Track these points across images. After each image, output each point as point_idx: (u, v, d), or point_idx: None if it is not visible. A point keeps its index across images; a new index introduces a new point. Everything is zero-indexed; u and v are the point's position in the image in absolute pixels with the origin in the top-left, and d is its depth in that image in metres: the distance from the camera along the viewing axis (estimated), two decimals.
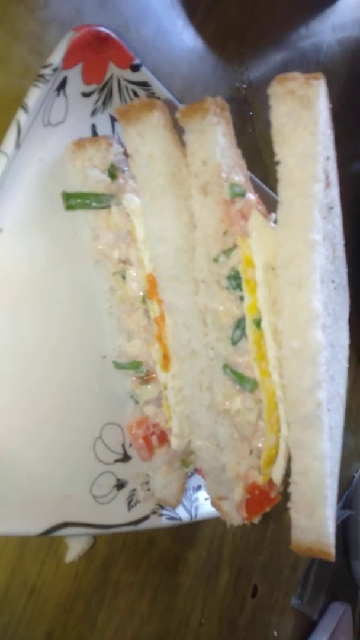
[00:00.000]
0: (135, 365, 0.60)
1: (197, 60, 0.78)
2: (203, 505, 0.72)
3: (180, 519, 0.69)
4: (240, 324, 0.54)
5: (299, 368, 0.49)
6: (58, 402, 0.57)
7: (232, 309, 0.54)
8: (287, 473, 0.55)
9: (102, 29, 0.53)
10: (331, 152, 0.49)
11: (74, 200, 0.55)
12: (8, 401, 0.53)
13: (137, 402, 0.62)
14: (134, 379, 0.61)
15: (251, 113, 0.92)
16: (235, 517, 0.60)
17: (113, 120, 0.62)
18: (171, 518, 0.68)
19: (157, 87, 0.62)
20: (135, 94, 0.62)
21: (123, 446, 0.65)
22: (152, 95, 0.63)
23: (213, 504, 0.65)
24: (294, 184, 0.45)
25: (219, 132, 0.49)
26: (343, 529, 1.29)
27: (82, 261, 0.59)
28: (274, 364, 0.53)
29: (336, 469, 0.58)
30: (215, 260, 0.52)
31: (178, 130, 0.51)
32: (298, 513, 0.54)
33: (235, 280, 0.53)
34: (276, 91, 0.43)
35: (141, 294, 0.58)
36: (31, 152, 0.52)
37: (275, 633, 1.03)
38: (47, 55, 0.52)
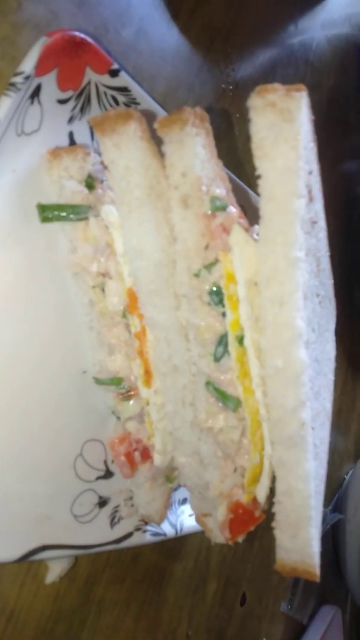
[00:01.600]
0: (116, 381, 0.58)
1: (181, 62, 0.76)
2: (188, 519, 0.71)
3: (164, 534, 0.68)
4: (222, 340, 0.52)
5: (282, 387, 0.48)
6: (36, 420, 0.55)
7: (214, 325, 0.52)
8: (272, 492, 0.54)
9: (77, 33, 0.51)
10: (314, 165, 0.47)
11: (49, 212, 0.53)
12: None
13: (118, 418, 0.61)
14: (115, 394, 0.59)
15: (238, 115, 0.89)
16: (219, 535, 0.59)
17: (92, 127, 0.60)
18: (155, 534, 0.67)
19: (138, 92, 0.60)
20: (115, 99, 0.60)
21: (105, 462, 0.63)
22: (132, 100, 0.61)
23: (197, 520, 0.64)
24: (275, 199, 0.44)
25: (198, 143, 0.47)
26: (333, 532, 1.28)
27: (59, 274, 0.57)
28: (257, 382, 0.51)
29: (322, 487, 0.57)
30: (197, 275, 0.51)
31: (157, 141, 0.49)
32: (282, 533, 0.53)
33: (217, 295, 0.51)
34: (256, 103, 0.41)
35: (121, 308, 0.56)
36: (4, 163, 0.50)
37: None
38: (21, 60, 0.50)
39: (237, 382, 0.52)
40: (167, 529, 0.69)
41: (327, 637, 1.22)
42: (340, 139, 1.28)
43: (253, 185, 0.83)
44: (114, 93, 0.59)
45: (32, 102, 0.51)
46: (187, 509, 0.72)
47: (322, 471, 0.58)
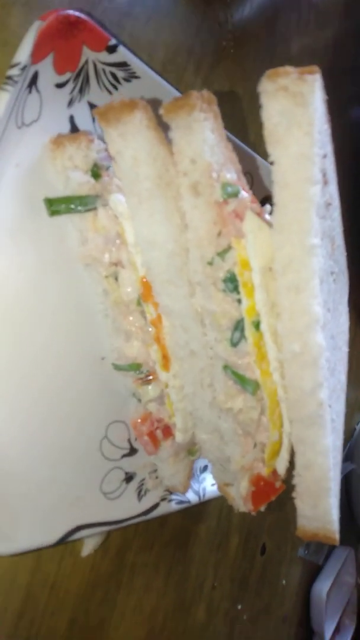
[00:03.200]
0: (134, 367, 0.60)
1: (179, 24, 0.71)
2: (211, 486, 0.75)
3: (189, 502, 0.72)
4: (238, 325, 0.53)
5: (299, 370, 0.48)
6: (62, 410, 0.57)
7: (230, 311, 0.53)
8: (292, 464, 0.56)
9: (70, 12, 0.48)
10: (328, 148, 0.45)
11: (57, 206, 0.52)
12: (10, 415, 0.53)
13: (139, 400, 0.62)
14: (134, 380, 0.61)
15: (239, 74, 0.85)
16: (242, 504, 0.62)
17: (92, 107, 0.57)
18: (180, 502, 0.71)
19: (137, 66, 0.57)
20: (114, 76, 0.57)
21: (129, 441, 0.65)
22: (132, 75, 0.58)
23: (220, 489, 0.67)
24: (289, 186, 0.43)
25: (207, 128, 0.45)
26: (345, 479, 1.34)
27: (72, 265, 0.57)
28: (274, 366, 0.52)
29: (338, 458, 0.59)
30: (210, 263, 0.50)
31: (163, 127, 0.48)
32: (303, 503, 0.55)
33: (231, 282, 0.51)
34: (267, 88, 0.39)
35: (135, 296, 0.56)
36: (7, 159, 0.49)
37: (284, 582, 1.10)
38: (13, 43, 0.47)
39: (254, 366, 0.53)
40: (190, 496, 0.72)
41: (341, 575, 1.30)
42: (348, 84, 1.22)
43: (258, 149, 0.80)
44: (113, 69, 0.56)
45: (30, 92, 0.49)
46: (209, 476, 0.75)
47: (339, 442, 0.60)
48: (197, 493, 0.74)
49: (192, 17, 0.73)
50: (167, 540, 0.76)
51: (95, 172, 0.53)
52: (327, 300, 0.53)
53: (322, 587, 1.24)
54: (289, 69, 0.38)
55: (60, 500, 0.56)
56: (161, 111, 0.45)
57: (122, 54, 0.55)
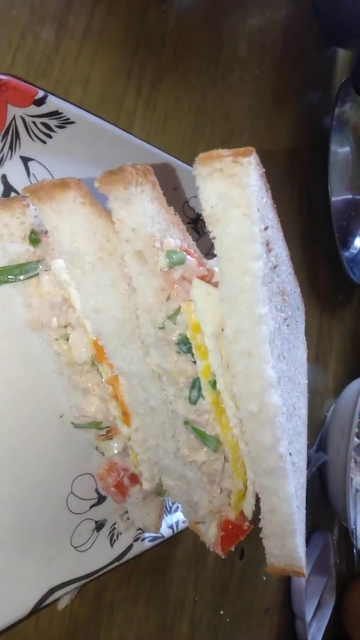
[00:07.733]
0: (94, 424, 0.59)
1: (114, 48, 0.67)
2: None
3: (162, 537, 0.73)
4: (195, 383, 0.52)
5: (258, 428, 0.49)
6: (24, 475, 0.56)
7: (186, 369, 0.52)
8: (258, 506, 0.57)
9: None
10: (270, 217, 0.44)
11: None
12: None
13: (103, 454, 0.62)
14: (96, 436, 0.60)
15: (184, 87, 0.81)
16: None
17: (26, 161, 0.54)
18: (154, 539, 0.71)
19: (70, 110, 0.54)
20: (47, 126, 0.54)
21: (96, 490, 0.65)
22: (66, 121, 0.55)
23: (191, 526, 0.68)
24: (233, 260, 0.41)
25: (145, 200, 0.43)
26: (320, 469, 1.38)
27: (19, 330, 0.55)
28: (234, 422, 0.52)
29: (303, 494, 0.61)
30: (162, 327, 0.49)
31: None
32: (270, 544, 0.57)
33: (185, 345, 0.50)
34: (201, 172, 0.37)
35: (89, 357, 0.55)
36: None
37: (264, 578, 1.14)
38: None
39: (214, 423, 0.53)
40: (164, 530, 0.73)
41: (320, 558, 1.36)
42: (301, 67, 1.18)
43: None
44: (44, 120, 0.53)
45: None
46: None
47: (302, 479, 0.61)
48: (170, 527, 0.75)
49: (129, 36, 0.68)
50: (145, 570, 0.77)
51: (34, 239, 0.50)
52: (283, 348, 0.53)
53: None
54: (222, 152, 0.36)
55: (30, 566, 0.55)
56: (96, 184, 0.43)
57: (53, 103, 0.52)
